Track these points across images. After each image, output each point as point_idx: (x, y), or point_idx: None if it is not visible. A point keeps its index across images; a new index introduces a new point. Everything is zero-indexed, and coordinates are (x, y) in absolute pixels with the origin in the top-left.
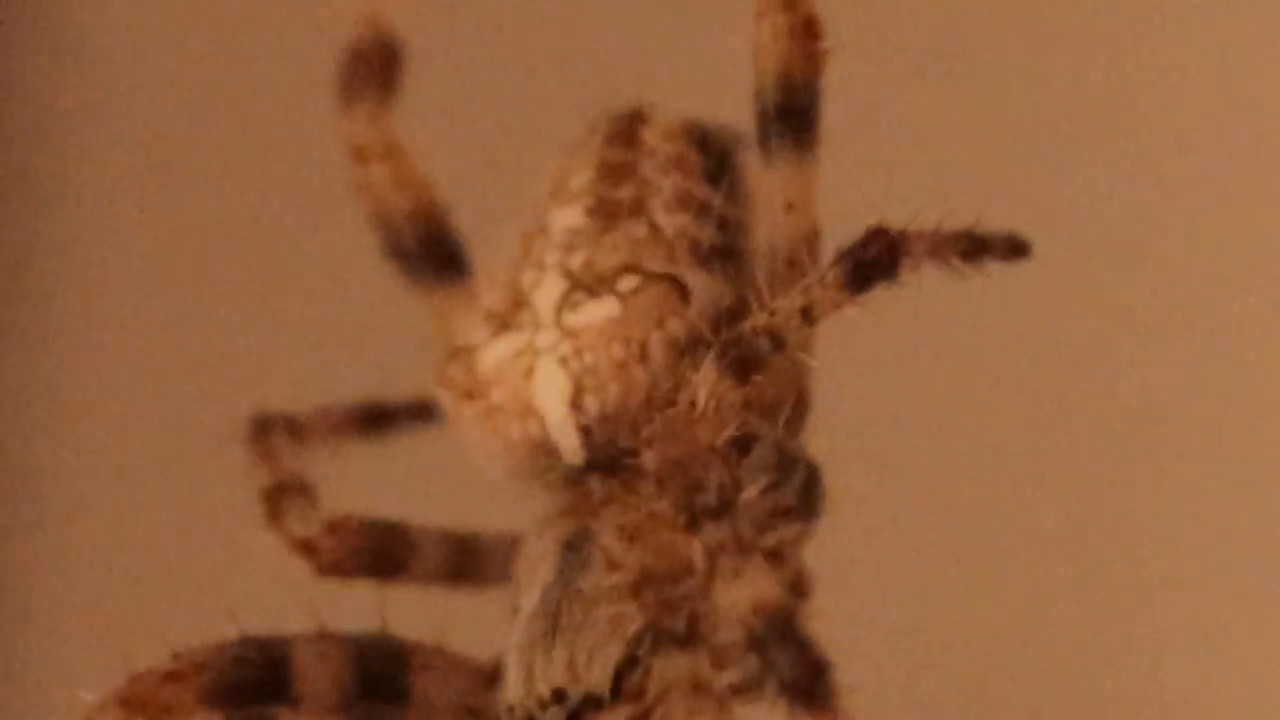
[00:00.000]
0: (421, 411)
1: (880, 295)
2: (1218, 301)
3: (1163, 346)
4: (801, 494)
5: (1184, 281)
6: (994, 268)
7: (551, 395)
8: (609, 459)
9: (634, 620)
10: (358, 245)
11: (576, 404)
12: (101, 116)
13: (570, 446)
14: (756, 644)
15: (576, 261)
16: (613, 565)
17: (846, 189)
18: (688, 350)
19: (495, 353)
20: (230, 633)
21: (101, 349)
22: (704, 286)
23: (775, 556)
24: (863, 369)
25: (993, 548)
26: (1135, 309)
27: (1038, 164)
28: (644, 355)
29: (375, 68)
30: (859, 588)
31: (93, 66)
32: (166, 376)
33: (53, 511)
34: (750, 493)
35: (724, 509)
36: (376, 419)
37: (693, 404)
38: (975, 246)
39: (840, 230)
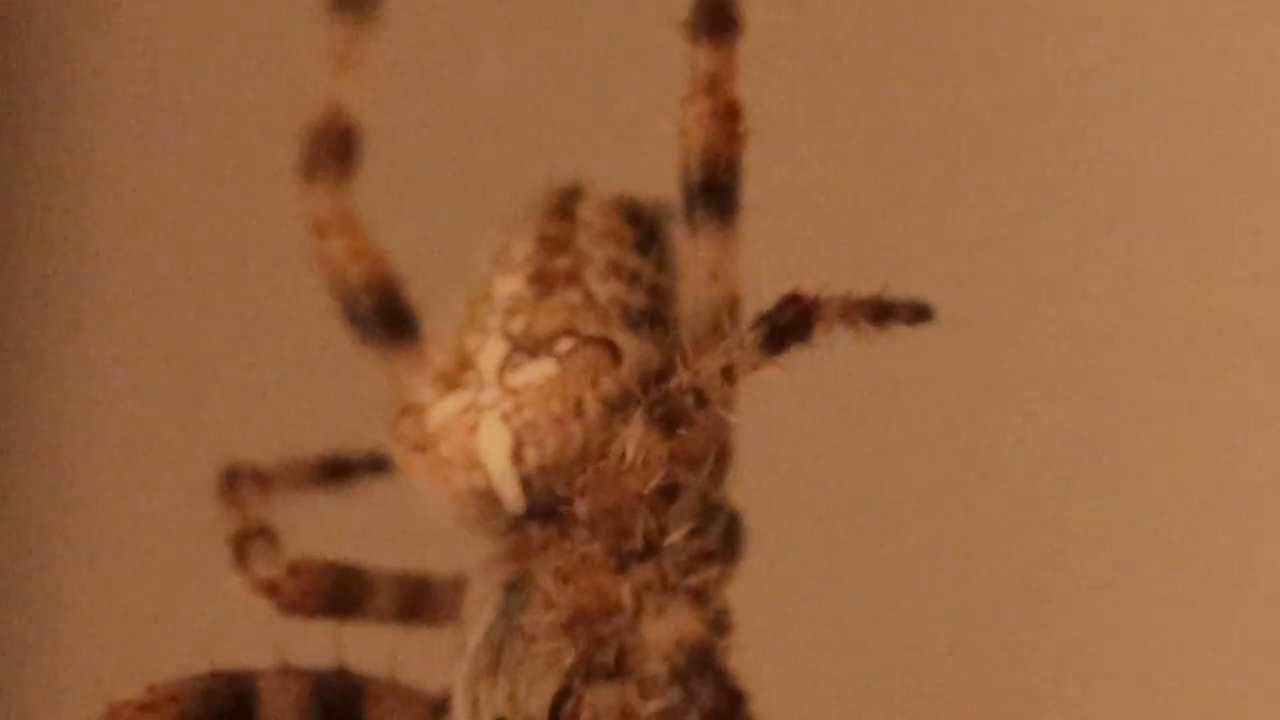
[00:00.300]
0: (377, 464)
1: (796, 356)
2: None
3: (1051, 404)
4: (723, 539)
5: (1076, 342)
6: (901, 331)
7: (494, 448)
8: (546, 507)
9: (568, 655)
10: (317, 324)
11: (517, 456)
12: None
13: (511, 495)
14: (679, 676)
15: (517, 326)
16: (549, 604)
17: (765, 258)
18: (619, 406)
19: (443, 410)
20: (201, 667)
21: (95, 400)
22: (634, 348)
23: (698, 596)
24: (781, 424)
25: (903, 592)
26: (1030, 368)
27: (940, 236)
28: (579, 411)
29: (334, 149)
30: (779, 625)
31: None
32: (152, 443)
33: (47, 561)
34: (675, 537)
35: (650, 552)
36: (336, 470)
37: (623, 456)
38: (882, 312)
39: (759, 296)
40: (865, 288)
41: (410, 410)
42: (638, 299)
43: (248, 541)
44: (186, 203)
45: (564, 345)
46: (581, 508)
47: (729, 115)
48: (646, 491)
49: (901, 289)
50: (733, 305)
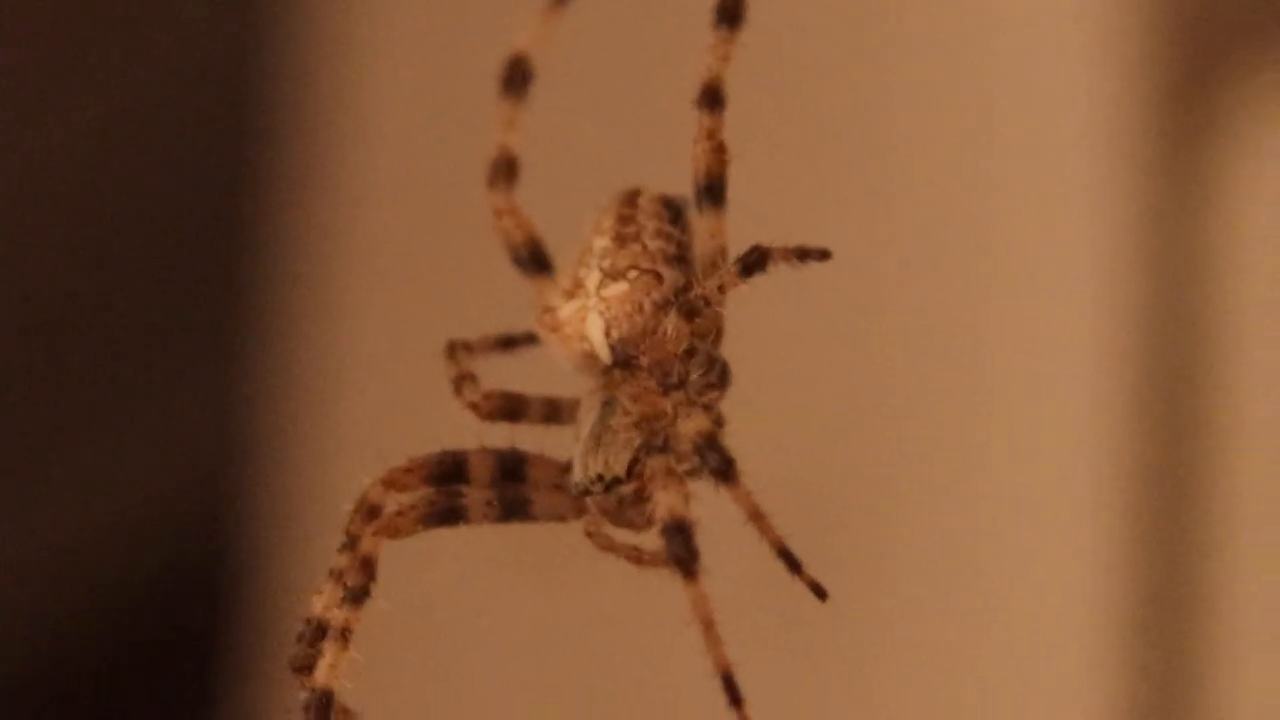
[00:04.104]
0: (531, 339)
1: (759, 280)
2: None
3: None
4: (719, 376)
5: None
6: (815, 266)
7: (595, 330)
8: (624, 361)
9: (637, 439)
10: (500, 265)
11: (608, 335)
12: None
13: (605, 355)
14: (698, 450)
15: (606, 264)
16: (626, 413)
17: (741, 226)
18: (662, 306)
19: (567, 310)
20: (436, 447)
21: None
22: (670, 276)
23: (707, 408)
24: (749, 316)
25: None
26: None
27: (845, 211)
28: (640, 310)
29: (505, 171)
30: (753, 423)
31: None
32: (418, 319)
33: (352, 388)
34: (694, 377)
35: (680, 384)
36: (510, 342)
37: (665, 332)
38: (802, 254)
39: (738, 246)
40: (792, 240)
41: (548, 310)
42: (672, 249)
43: (461, 381)
44: (427, 195)
45: (632, 274)
46: (643, 360)
47: (719, 150)
48: (678, 352)
49: (814, 240)
50: (723, 252)
